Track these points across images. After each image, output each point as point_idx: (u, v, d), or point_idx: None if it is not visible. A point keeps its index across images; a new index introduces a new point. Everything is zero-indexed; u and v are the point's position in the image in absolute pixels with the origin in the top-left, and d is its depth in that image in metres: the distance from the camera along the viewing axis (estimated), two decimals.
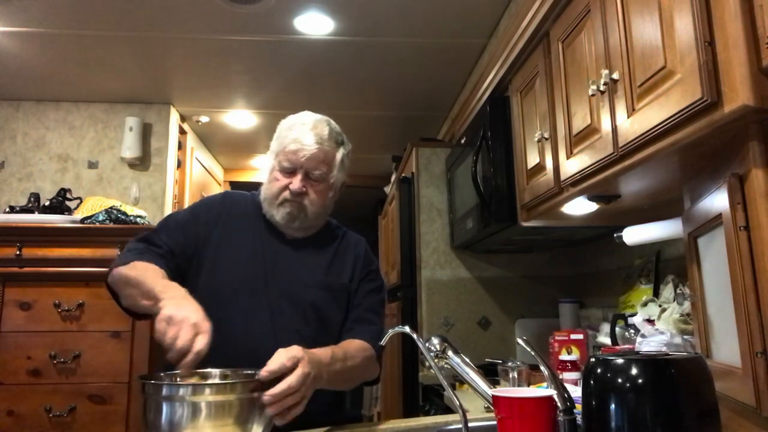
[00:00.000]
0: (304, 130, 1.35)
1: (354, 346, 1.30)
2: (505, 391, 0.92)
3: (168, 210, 3.65)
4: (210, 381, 1.08)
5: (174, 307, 1.02)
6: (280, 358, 1.03)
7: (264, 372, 1.00)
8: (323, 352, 1.16)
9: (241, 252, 1.37)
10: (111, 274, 1.28)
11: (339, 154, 1.40)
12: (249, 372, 1.08)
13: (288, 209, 1.35)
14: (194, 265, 1.35)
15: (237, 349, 1.23)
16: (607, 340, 1.77)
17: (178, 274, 1.32)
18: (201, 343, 0.98)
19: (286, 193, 1.35)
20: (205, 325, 1.01)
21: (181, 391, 0.94)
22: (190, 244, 1.36)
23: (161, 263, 1.26)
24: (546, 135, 1.69)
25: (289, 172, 1.35)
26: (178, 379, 1.06)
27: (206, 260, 1.35)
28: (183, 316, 1.00)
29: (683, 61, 0.99)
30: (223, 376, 1.10)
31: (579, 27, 1.47)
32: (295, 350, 1.06)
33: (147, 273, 1.19)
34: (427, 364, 2.50)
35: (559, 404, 0.87)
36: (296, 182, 1.34)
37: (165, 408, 0.93)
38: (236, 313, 1.30)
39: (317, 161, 1.35)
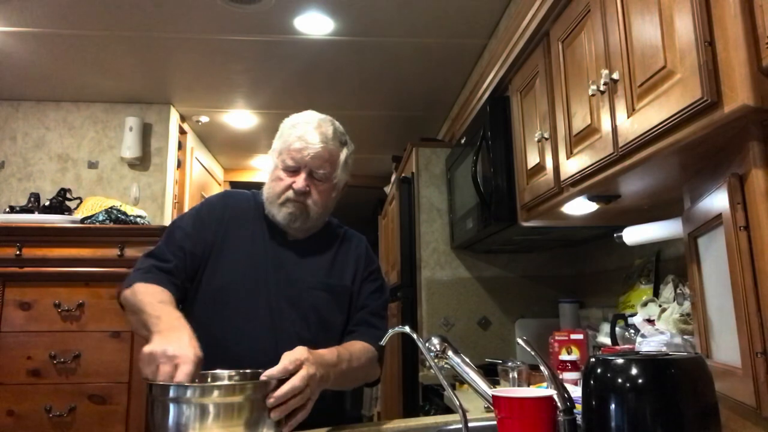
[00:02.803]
0: (308, 129, 1.34)
1: (357, 347, 1.29)
2: (505, 391, 0.92)
3: (168, 210, 3.65)
4: (218, 382, 1.07)
5: (156, 343, 1.00)
6: (283, 361, 1.02)
7: (263, 376, 1.00)
8: (329, 353, 1.16)
9: (241, 253, 1.36)
10: (120, 297, 1.28)
11: (343, 154, 1.39)
12: (258, 372, 1.07)
13: (290, 209, 1.34)
14: (201, 268, 1.35)
15: (238, 351, 1.23)
16: (607, 340, 1.77)
17: (188, 282, 1.32)
18: (181, 374, 0.96)
19: (289, 193, 1.33)
20: (186, 356, 0.98)
21: (189, 393, 0.92)
22: (200, 249, 1.34)
23: (165, 281, 1.25)
24: (546, 135, 1.69)
25: (293, 171, 1.34)
26: None
27: (209, 262, 1.35)
28: (161, 350, 0.97)
29: (683, 61, 0.99)
30: (232, 378, 1.09)
31: (579, 27, 1.47)
32: (298, 352, 1.05)
33: (145, 299, 1.18)
34: (427, 364, 2.50)
35: (559, 404, 0.87)
36: (300, 181, 1.33)
37: (172, 409, 0.91)
38: (237, 314, 1.30)
39: (322, 160, 1.34)
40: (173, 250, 1.32)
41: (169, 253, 1.32)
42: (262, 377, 1.00)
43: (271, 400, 0.96)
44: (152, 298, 1.18)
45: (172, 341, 1.00)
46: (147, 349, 0.99)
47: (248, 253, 1.36)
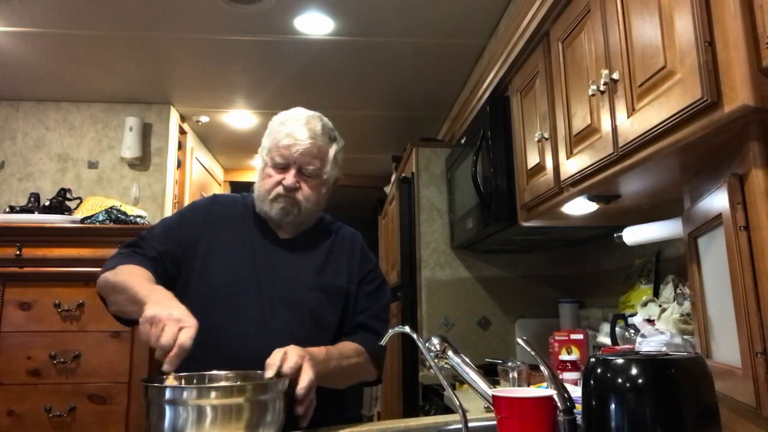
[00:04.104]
0: (297, 125, 1.34)
1: (349, 347, 1.30)
2: (505, 391, 0.92)
3: (168, 210, 3.65)
4: (215, 384, 1.06)
5: (157, 307, 1.01)
6: (292, 356, 1.04)
7: (287, 369, 1.02)
8: (318, 351, 1.17)
9: (231, 254, 1.36)
10: (98, 281, 1.27)
11: (332, 150, 1.39)
12: (255, 372, 1.07)
13: (282, 204, 1.34)
14: (184, 270, 1.34)
15: (231, 350, 1.23)
16: (607, 340, 1.77)
17: (166, 277, 1.31)
18: (185, 336, 0.96)
19: (279, 188, 1.33)
20: (190, 320, 0.99)
21: (185, 395, 0.90)
22: (176, 248, 1.34)
23: (147, 265, 1.25)
24: (546, 135, 1.69)
25: (282, 168, 1.34)
26: (183, 381, 1.04)
27: (196, 264, 1.34)
28: (167, 314, 0.98)
29: (683, 61, 0.99)
30: (229, 378, 1.08)
31: (579, 27, 1.47)
32: (296, 348, 1.07)
33: (132, 277, 1.17)
34: (427, 364, 2.50)
35: (559, 404, 0.87)
36: (289, 178, 1.33)
37: (168, 412, 0.89)
38: (229, 315, 1.29)
39: (311, 156, 1.34)
40: (151, 243, 1.33)
41: (147, 245, 1.32)
42: (285, 370, 1.02)
43: (300, 391, 1.02)
44: (139, 278, 1.17)
45: (174, 307, 1.00)
46: (149, 312, 0.98)
47: (238, 254, 1.36)
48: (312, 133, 1.34)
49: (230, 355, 1.18)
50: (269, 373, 1.03)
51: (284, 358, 1.06)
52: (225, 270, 1.33)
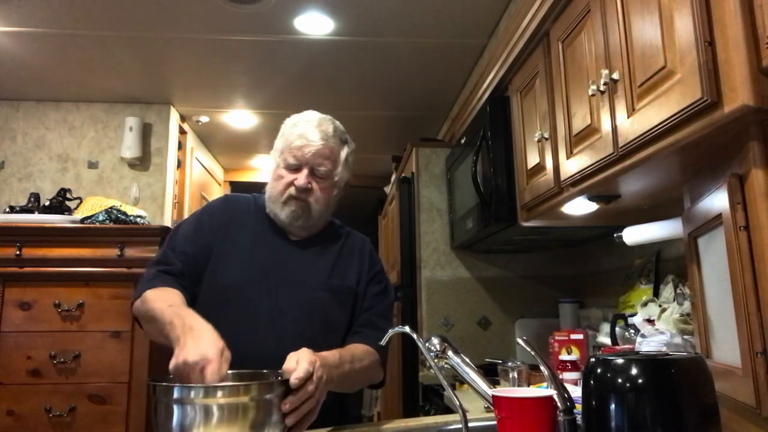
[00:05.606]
0: (309, 127, 1.36)
1: (360, 349, 1.30)
2: (505, 391, 0.92)
3: (168, 210, 3.65)
4: (222, 383, 1.06)
5: (176, 354, 0.98)
6: (303, 363, 1.02)
7: (294, 380, 0.99)
8: (331, 355, 1.16)
9: (242, 254, 1.37)
10: (132, 308, 1.29)
11: (343, 152, 1.41)
12: (261, 372, 1.07)
13: (293, 207, 1.35)
14: (203, 270, 1.35)
15: (240, 350, 1.23)
16: (607, 340, 1.77)
17: (194, 286, 1.32)
18: (208, 376, 0.95)
19: (291, 190, 1.35)
20: (207, 357, 0.96)
21: (192, 394, 0.91)
22: (201, 253, 1.35)
23: (172, 282, 1.26)
24: (546, 135, 1.69)
25: (294, 169, 1.36)
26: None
27: (211, 264, 1.35)
28: (182, 362, 0.96)
29: (683, 61, 0.99)
30: (237, 378, 1.08)
31: (579, 27, 1.47)
32: (308, 354, 1.05)
33: (158, 305, 1.16)
34: (427, 364, 2.50)
35: (559, 404, 0.87)
36: (301, 178, 1.34)
37: (176, 411, 0.90)
38: (238, 314, 1.30)
39: (323, 157, 1.35)
40: (176, 255, 1.33)
41: (173, 257, 1.33)
42: (292, 381, 0.99)
43: (287, 406, 0.96)
44: (162, 303, 1.17)
45: (190, 347, 0.98)
46: (171, 365, 0.98)
47: (249, 254, 1.37)
48: (324, 134, 1.36)
49: (240, 355, 1.17)
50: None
51: (292, 363, 1.03)
52: (235, 270, 1.34)
